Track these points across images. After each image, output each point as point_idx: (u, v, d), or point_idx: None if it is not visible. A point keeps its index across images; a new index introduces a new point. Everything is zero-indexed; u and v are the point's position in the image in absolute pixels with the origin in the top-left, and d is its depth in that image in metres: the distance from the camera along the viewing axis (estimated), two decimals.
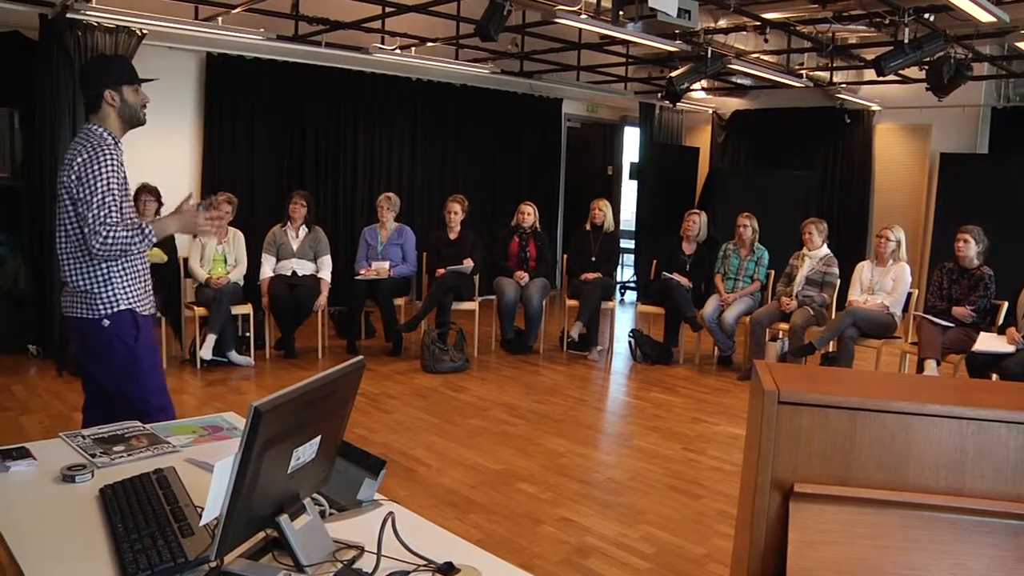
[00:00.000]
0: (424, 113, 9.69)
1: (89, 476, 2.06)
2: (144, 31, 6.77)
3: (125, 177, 3.10)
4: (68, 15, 6.21)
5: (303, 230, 6.96)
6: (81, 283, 3.05)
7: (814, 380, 2.04)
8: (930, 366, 5.75)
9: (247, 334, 6.76)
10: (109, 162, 2.98)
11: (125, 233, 2.98)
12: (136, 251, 3.07)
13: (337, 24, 7.29)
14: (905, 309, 6.44)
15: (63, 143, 6.43)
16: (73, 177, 2.97)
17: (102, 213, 2.94)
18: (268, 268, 6.86)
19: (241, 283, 6.66)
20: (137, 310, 3.13)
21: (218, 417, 2.66)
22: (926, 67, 7.25)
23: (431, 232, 7.80)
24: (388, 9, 7.09)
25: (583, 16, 6.19)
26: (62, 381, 5.99)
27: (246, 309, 6.66)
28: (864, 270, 6.59)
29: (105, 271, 3.05)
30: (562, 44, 8.63)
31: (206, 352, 6.38)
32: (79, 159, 2.97)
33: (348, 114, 9.03)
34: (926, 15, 6.30)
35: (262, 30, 6.87)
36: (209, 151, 8.14)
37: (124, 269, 3.10)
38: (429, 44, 7.99)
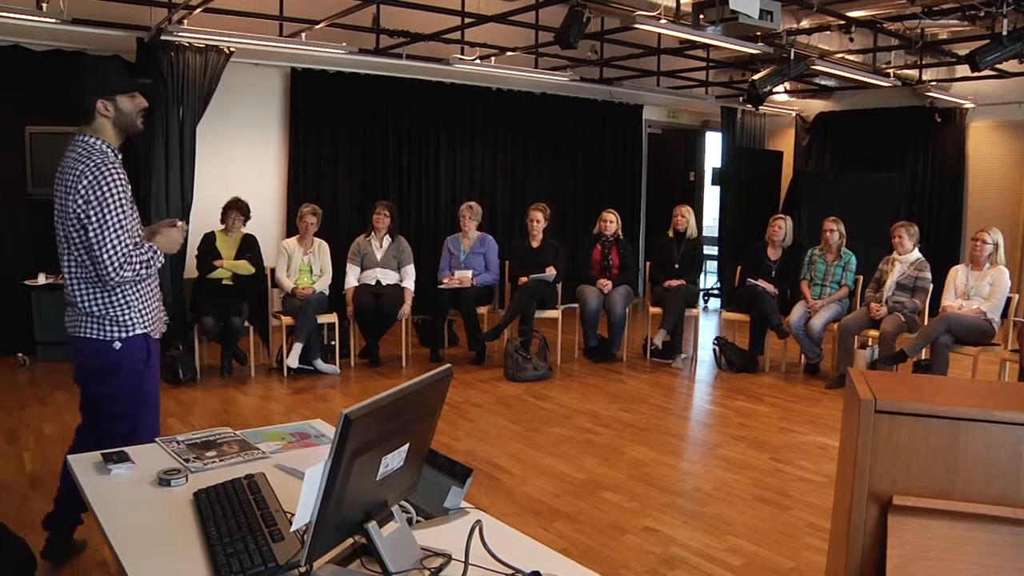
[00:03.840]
0: (505, 122, 9.74)
1: (184, 480, 2.11)
2: (232, 49, 6.98)
3: (129, 190, 2.88)
4: (162, 37, 6.46)
5: (387, 240, 7.05)
6: (95, 307, 2.85)
7: (912, 388, 1.97)
8: None
9: (332, 343, 6.88)
10: (116, 182, 2.76)
11: (144, 256, 2.82)
12: (153, 272, 2.89)
13: (417, 36, 7.39)
14: (1004, 315, 6.17)
15: (157, 160, 6.69)
16: (80, 201, 2.72)
17: (121, 241, 2.75)
18: (353, 278, 6.97)
19: (327, 293, 6.78)
20: (151, 334, 2.98)
21: (306, 424, 2.70)
22: None
23: (513, 241, 7.82)
24: (467, 20, 7.16)
25: (663, 21, 6.13)
26: None
27: (331, 318, 6.78)
28: (959, 274, 6.35)
29: (121, 295, 2.86)
30: (642, 50, 8.56)
31: (293, 360, 6.51)
32: (84, 181, 2.72)
33: (429, 124, 9.13)
34: None
35: (344, 44, 7.01)
36: (294, 163, 8.34)
37: (140, 291, 2.92)
38: (508, 53, 8.03)
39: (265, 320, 6.76)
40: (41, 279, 6.75)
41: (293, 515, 1.62)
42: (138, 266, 2.80)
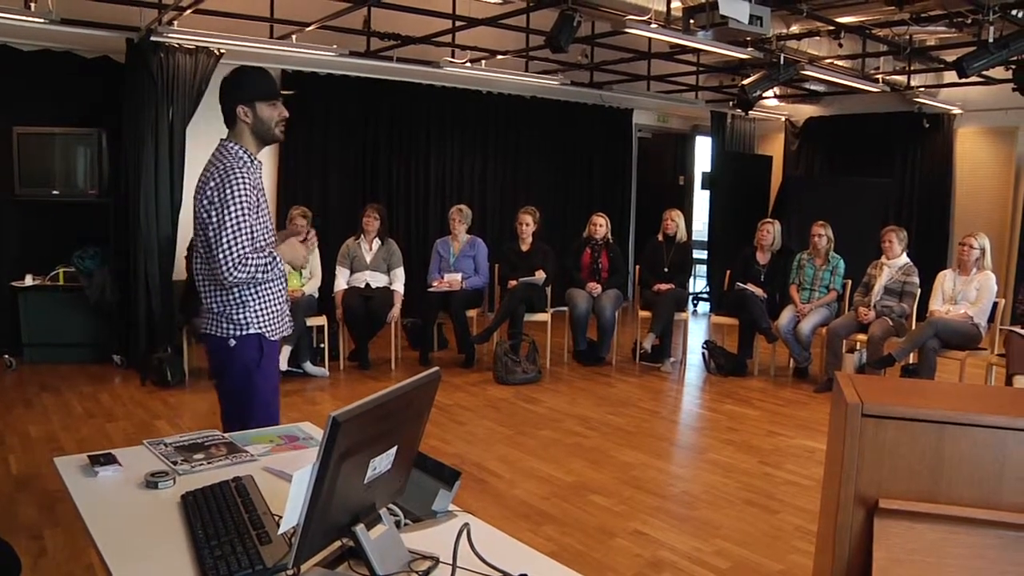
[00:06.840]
0: (495, 125, 9.75)
1: (171, 483, 2.10)
2: (222, 51, 6.96)
3: (262, 196, 2.98)
4: (152, 38, 6.43)
5: (376, 242, 7.05)
6: (215, 306, 2.95)
7: (898, 392, 1.98)
8: (1020, 381, 5.53)
9: (322, 345, 6.87)
10: (241, 185, 2.82)
11: (259, 261, 2.86)
12: (265, 278, 2.92)
13: (408, 39, 7.38)
14: (991, 319, 6.21)
15: (146, 161, 6.66)
16: (205, 202, 2.82)
17: (237, 242, 2.80)
18: (342, 280, 6.96)
19: (316, 295, 6.77)
20: (266, 335, 3.00)
21: (294, 427, 2.70)
22: (1013, 67, 7.00)
23: (503, 244, 7.82)
24: (458, 23, 7.16)
25: (653, 25, 6.14)
26: (145, 390, 6.16)
27: (321, 321, 6.77)
28: (946, 279, 6.38)
29: (239, 295, 2.93)
30: (632, 54, 8.59)
31: (281, 363, 6.49)
32: (212, 183, 2.83)
33: (420, 127, 9.13)
34: (1014, 12, 6.07)
35: (335, 47, 6.99)
36: (285, 165, 8.32)
37: (258, 292, 2.96)
38: (499, 57, 8.03)
39: None
40: (28, 280, 6.72)
41: (281, 518, 1.61)
42: (253, 269, 2.84)
